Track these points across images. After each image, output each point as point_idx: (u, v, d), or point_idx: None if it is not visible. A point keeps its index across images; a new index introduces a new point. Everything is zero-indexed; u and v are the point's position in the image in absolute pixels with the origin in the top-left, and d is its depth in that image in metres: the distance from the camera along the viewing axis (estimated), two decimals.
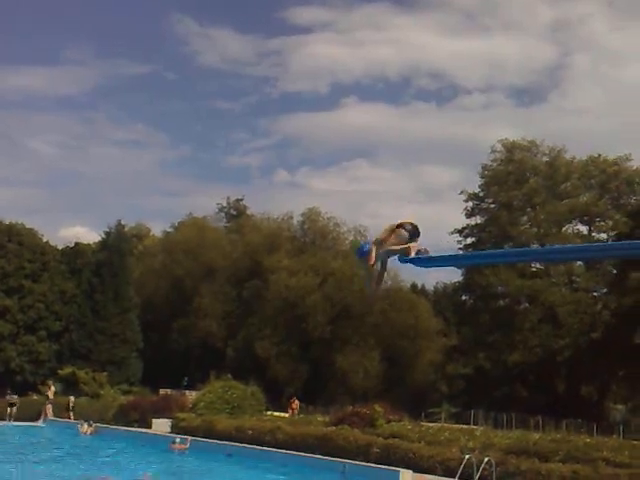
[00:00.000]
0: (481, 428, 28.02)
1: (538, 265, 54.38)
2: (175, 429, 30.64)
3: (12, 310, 46.33)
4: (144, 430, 31.29)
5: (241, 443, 26.18)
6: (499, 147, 58.00)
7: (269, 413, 33.95)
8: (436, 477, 20.24)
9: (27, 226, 51.17)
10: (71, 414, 36.11)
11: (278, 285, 50.52)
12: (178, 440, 26.39)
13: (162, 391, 39.84)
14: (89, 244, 54.75)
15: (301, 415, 35.64)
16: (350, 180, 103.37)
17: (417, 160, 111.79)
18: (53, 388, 37.65)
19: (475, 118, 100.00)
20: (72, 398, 37.41)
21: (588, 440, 22.48)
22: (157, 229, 78.16)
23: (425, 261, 7.19)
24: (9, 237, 48.61)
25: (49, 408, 36.02)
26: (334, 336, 50.72)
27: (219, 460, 23.71)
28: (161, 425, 31.87)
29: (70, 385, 43.44)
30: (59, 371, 44.75)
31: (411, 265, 7.18)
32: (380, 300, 51.83)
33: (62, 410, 36.32)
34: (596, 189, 57.07)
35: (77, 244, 53.71)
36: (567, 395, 51.56)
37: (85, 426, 31.64)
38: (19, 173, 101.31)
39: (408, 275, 55.35)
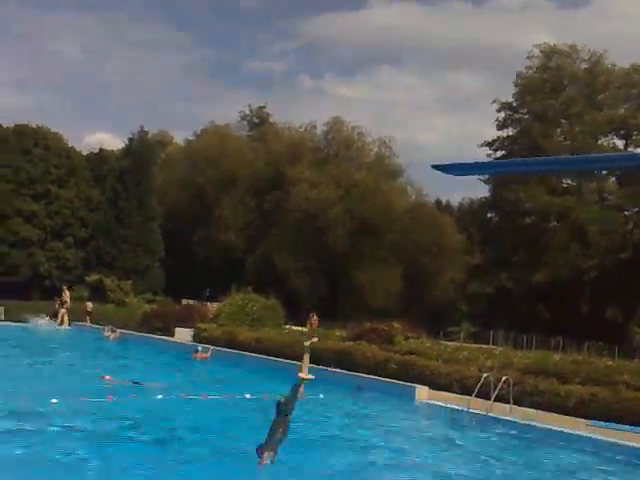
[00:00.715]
0: (500, 348, 27.96)
1: (569, 181, 53.33)
2: (197, 339, 31.08)
3: (39, 215, 46.68)
4: (167, 338, 31.76)
5: (260, 355, 26.51)
6: (536, 53, 56.16)
7: (288, 326, 34.19)
8: (452, 394, 20.28)
9: (52, 130, 51.08)
10: (88, 319, 36.69)
11: (299, 197, 50.18)
12: (200, 349, 26.86)
13: (184, 301, 40.27)
14: (113, 151, 54.62)
15: (320, 330, 35.80)
16: (375, 87, 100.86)
17: (445, 66, 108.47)
18: (68, 293, 38.01)
19: (512, 21, 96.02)
20: (89, 303, 37.94)
21: (609, 363, 22.23)
22: (179, 137, 77.76)
23: (457, 168, 6.70)
24: (35, 141, 48.51)
25: (64, 313, 36.51)
26: (354, 251, 50.61)
27: (239, 370, 24.02)
28: (183, 334, 32.33)
29: (97, 292, 44.16)
30: (86, 278, 45.42)
31: (439, 176, 6.70)
32: (403, 216, 51.46)
33: (80, 315, 36.82)
34: (636, 100, 54.90)
35: (101, 150, 53.60)
36: (591, 317, 51.40)
37: (109, 331, 32.17)
38: (41, 76, 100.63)
39: (432, 190, 54.81)
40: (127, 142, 51.04)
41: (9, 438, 11.07)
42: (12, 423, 12.11)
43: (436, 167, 6.55)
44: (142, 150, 49.94)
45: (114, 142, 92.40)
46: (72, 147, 51.92)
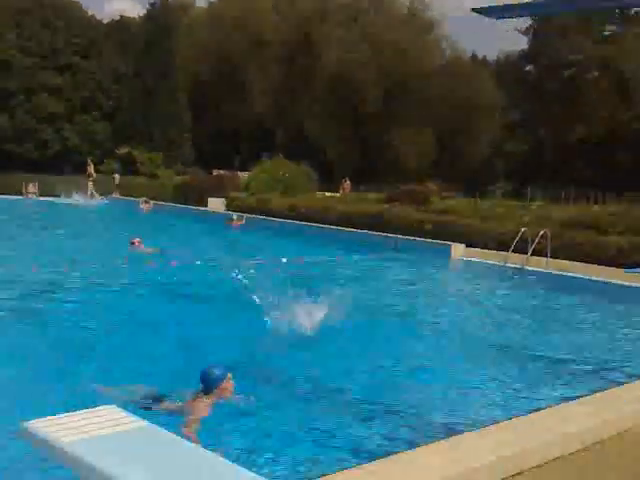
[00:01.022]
0: (538, 203, 27.49)
1: (612, 28, 50.51)
2: (229, 208, 31.07)
3: (65, 89, 46.11)
4: (200, 208, 31.79)
5: (294, 221, 26.50)
6: None
7: (320, 193, 33.96)
8: (489, 251, 20.13)
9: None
10: (117, 192, 36.82)
11: (329, 59, 48.48)
12: (235, 217, 26.87)
13: (215, 172, 40.04)
14: (134, 18, 53.12)
15: (353, 194, 35.62)
16: None
17: None
18: (92, 166, 37.92)
19: None
20: (117, 175, 37.97)
21: None
22: (201, 1, 75.00)
23: (498, 10, 6.39)
24: (54, 12, 47.24)
25: (90, 186, 36.62)
26: (387, 113, 49.37)
27: (273, 237, 24.05)
28: (216, 204, 32.30)
29: (127, 166, 44.15)
30: (116, 151, 45.31)
31: (475, 28, 6.27)
32: (437, 73, 49.73)
33: (109, 188, 36.97)
34: None
35: (122, 17, 52.11)
36: (631, 170, 50.00)
37: (143, 203, 32.25)
38: None
39: (469, 44, 52.61)
40: (148, 8, 49.44)
41: (50, 301, 11.12)
42: (51, 286, 12.19)
43: (476, 10, 6.40)
44: (164, 16, 48.37)
45: (134, 10, 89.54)
46: (92, 15, 50.56)
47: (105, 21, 52.15)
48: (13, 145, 43.35)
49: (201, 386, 5.95)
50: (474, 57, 58.24)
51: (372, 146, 49.57)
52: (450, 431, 5.69)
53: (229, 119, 51.05)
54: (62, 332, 9.30)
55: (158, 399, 6.13)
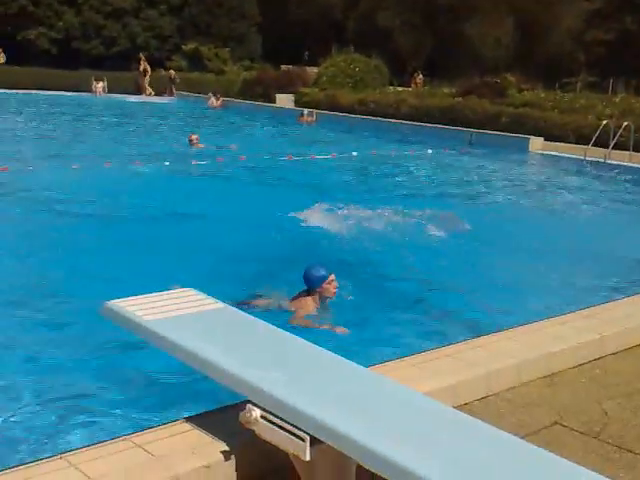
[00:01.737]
0: (621, 95, 26.18)
1: None
2: (299, 104, 30.64)
3: None
4: (269, 104, 31.46)
5: (364, 116, 26.02)
6: None
7: (392, 87, 33.08)
8: (568, 144, 19.38)
9: None
10: (173, 88, 36.50)
11: None
12: (306, 112, 26.54)
13: (283, 67, 39.27)
14: None
15: (426, 87, 34.60)
16: None
17: None
18: (144, 61, 37.57)
19: None
20: (173, 72, 37.56)
21: None
22: None
23: None
24: None
25: (145, 82, 36.40)
26: (462, 3, 47.18)
27: (344, 132, 23.67)
28: (284, 100, 31.89)
29: (194, 62, 43.69)
30: (183, 47, 44.80)
31: None
32: None
33: (164, 84, 36.68)
34: None
35: None
36: None
37: (213, 99, 32.03)
38: None
39: None
40: None
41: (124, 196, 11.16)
42: (124, 183, 12.25)
43: None
44: None
45: None
46: None
47: None
48: (80, 42, 43.25)
49: (305, 286, 5.99)
50: None
51: (446, 37, 47.55)
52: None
53: (298, 11, 49.64)
54: (135, 226, 9.30)
55: (255, 296, 6.19)
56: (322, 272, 5.88)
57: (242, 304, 5.65)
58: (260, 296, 6.20)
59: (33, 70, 35.99)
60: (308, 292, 5.97)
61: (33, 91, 32.63)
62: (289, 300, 6.06)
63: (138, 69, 37.11)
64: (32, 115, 24.01)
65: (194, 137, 17.26)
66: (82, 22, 43.83)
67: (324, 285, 5.88)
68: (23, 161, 13.48)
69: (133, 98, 34.09)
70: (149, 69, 37.05)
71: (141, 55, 38.01)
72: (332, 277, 5.90)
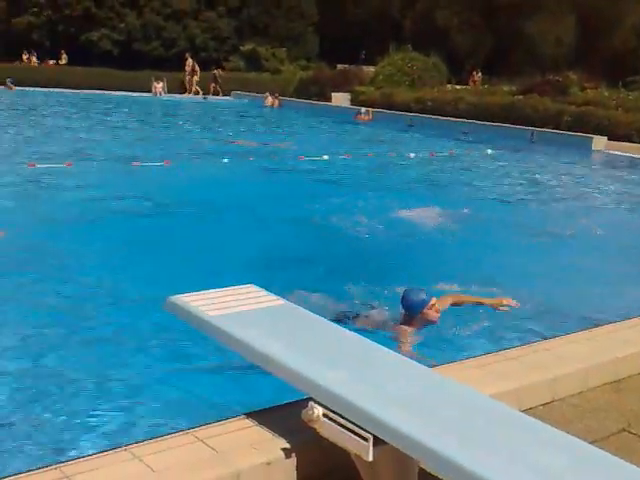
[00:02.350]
0: None
1: None
2: (355, 102, 30.60)
3: None
4: (325, 103, 31.49)
5: (422, 114, 25.83)
6: None
7: (450, 85, 32.80)
8: (633, 144, 18.90)
9: None
10: (218, 87, 36.63)
11: None
12: (363, 111, 26.51)
13: (340, 66, 39.28)
14: None
15: (485, 85, 34.18)
16: None
17: None
18: (191, 61, 37.65)
19: None
20: (217, 71, 37.72)
21: None
22: None
23: None
24: None
25: (192, 82, 36.55)
26: (523, 2, 46.43)
27: (401, 130, 23.54)
28: (341, 99, 31.90)
29: (252, 62, 44.02)
30: (240, 47, 45.18)
31: None
32: None
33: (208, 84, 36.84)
34: None
35: None
36: None
37: (270, 98, 32.20)
38: None
39: None
40: None
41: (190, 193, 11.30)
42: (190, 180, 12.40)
43: None
44: None
45: None
46: None
47: None
48: (141, 43, 44.01)
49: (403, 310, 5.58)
50: None
51: (505, 36, 46.89)
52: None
53: (355, 12, 49.57)
54: (194, 223, 9.39)
55: (354, 315, 5.86)
56: (422, 296, 5.44)
57: (340, 320, 5.40)
58: (358, 315, 5.83)
59: (95, 70, 36.74)
60: (409, 316, 5.56)
61: (96, 91, 33.28)
62: (392, 324, 5.63)
63: (184, 69, 37.30)
64: (95, 114, 24.51)
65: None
66: (143, 24, 44.58)
67: (425, 310, 5.46)
68: (86, 158, 13.75)
69: (191, 98, 34.52)
70: (198, 69, 37.32)
71: (188, 55, 38.34)
72: (433, 301, 5.47)
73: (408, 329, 5.50)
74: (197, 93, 36.43)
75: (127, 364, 4.88)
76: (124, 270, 7.01)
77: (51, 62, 41.06)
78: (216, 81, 36.97)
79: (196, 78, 36.95)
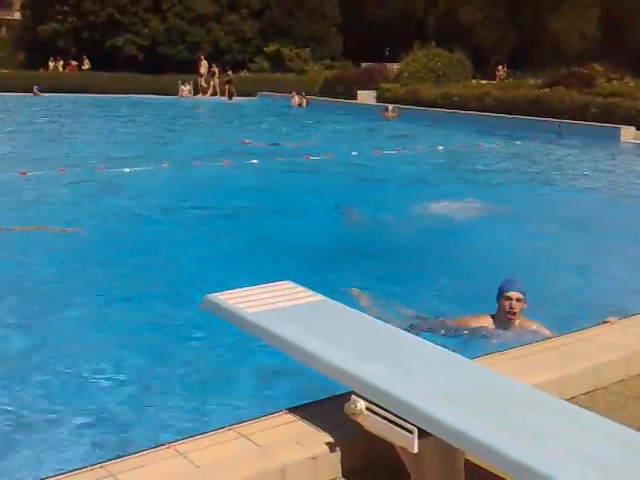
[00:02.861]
0: None
1: None
2: (380, 100, 30.57)
3: None
4: (351, 101, 31.49)
5: (448, 110, 25.73)
6: None
7: (475, 81, 32.62)
8: None
9: None
10: (232, 88, 36.60)
11: None
12: (390, 108, 26.48)
13: (364, 64, 39.25)
14: None
15: (510, 80, 33.92)
16: None
17: None
18: (205, 62, 37.63)
19: None
20: (230, 73, 37.71)
21: None
22: None
23: None
24: None
25: (215, 83, 36.55)
26: None
27: (428, 126, 23.48)
28: (366, 97, 31.88)
29: (276, 62, 44.16)
30: (265, 49, 45.34)
31: None
32: None
33: (220, 86, 36.89)
34: None
35: None
36: None
37: (296, 97, 32.25)
38: None
39: None
40: None
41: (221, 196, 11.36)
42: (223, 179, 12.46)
43: None
44: None
45: None
46: None
47: None
48: (166, 47, 44.34)
49: None
50: None
51: (530, 30, 46.51)
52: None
53: (377, 9, 49.42)
54: (227, 222, 9.44)
55: (420, 317, 5.58)
56: (504, 285, 5.12)
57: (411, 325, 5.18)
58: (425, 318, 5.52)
59: (121, 75, 37.08)
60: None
61: (122, 95, 33.57)
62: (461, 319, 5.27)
63: (199, 71, 37.31)
64: (124, 117, 24.76)
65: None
66: (167, 28, 44.93)
67: (500, 300, 5.12)
68: (116, 161, 13.89)
69: (215, 99, 34.67)
70: (217, 72, 37.34)
71: (202, 56, 38.36)
72: (511, 294, 5.05)
73: (483, 317, 5.19)
74: (214, 94, 36.53)
75: (167, 361, 4.92)
76: (158, 268, 7.09)
77: (73, 63, 41.44)
78: (230, 82, 37.02)
79: (216, 79, 37.05)
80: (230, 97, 35.55)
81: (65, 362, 4.88)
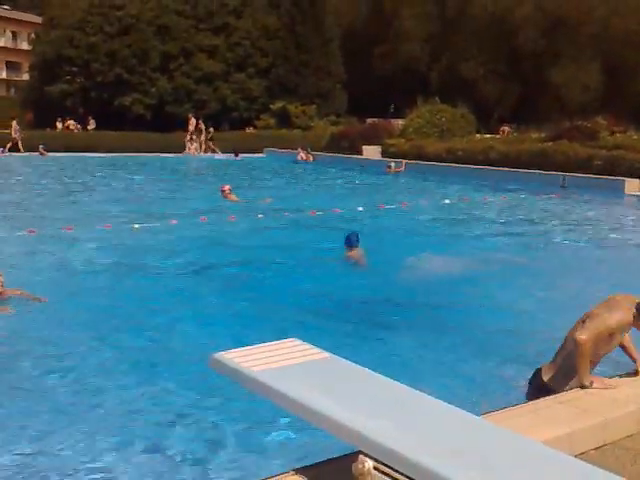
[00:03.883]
0: None
1: None
2: (385, 155, 30.85)
3: (221, 49, 47.14)
4: (356, 156, 31.81)
5: (452, 164, 25.94)
6: None
7: (479, 135, 32.96)
8: None
9: None
10: (210, 144, 36.93)
11: None
12: (393, 164, 26.72)
13: (369, 120, 39.76)
14: None
15: (514, 134, 34.29)
16: None
17: None
18: (193, 121, 37.72)
19: None
20: (211, 129, 38.04)
21: None
22: None
23: None
24: None
25: (189, 141, 36.81)
26: (547, 50, 46.81)
27: (433, 180, 23.65)
28: (372, 152, 32.18)
29: (282, 119, 44.77)
30: (271, 106, 46.03)
31: None
32: (599, 5, 46.81)
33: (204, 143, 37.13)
34: None
35: None
36: None
37: (302, 154, 32.60)
38: None
39: None
40: None
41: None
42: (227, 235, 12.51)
43: None
44: None
45: None
46: None
47: None
48: (173, 106, 45.05)
49: None
50: None
51: (532, 83, 47.19)
52: None
53: (382, 65, 50.24)
54: (230, 277, 9.47)
55: None
56: None
57: None
58: None
59: (128, 134, 37.60)
60: None
61: (130, 154, 33.95)
62: None
63: (187, 129, 37.47)
64: (130, 176, 25.02)
65: (227, 188, 17.25)
66: (174, 87, 45.74)
67: None
68: (124, 219, 14.01)
69: (221, 156, 35.03)
70: (204, 127, 37.64)
71: (191, 115, 38.66)
72: None
73: None
74: (207, 151, 36.74)
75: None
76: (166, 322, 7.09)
77: (72, 127, 41.95)
78: (211, 139, 37.30)
79: (203, 137, 37.29)
80: (209, 153, 35.98)
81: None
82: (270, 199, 17.20)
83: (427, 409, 3.42)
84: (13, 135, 34.37)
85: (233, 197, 17.14)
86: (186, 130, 37.47)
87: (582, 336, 4.41)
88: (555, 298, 8.36)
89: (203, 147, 37.15)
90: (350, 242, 9.49)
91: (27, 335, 6.90)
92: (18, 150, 33.81)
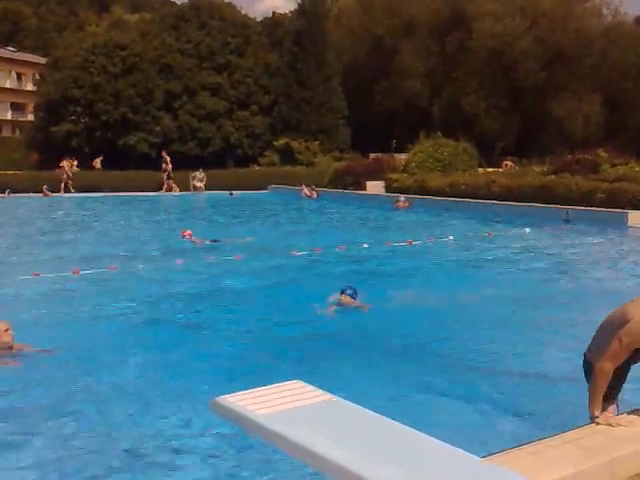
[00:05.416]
0: None
1: None
2: (389, 190, 30.96)
3: (224, 87, 47.62)
4: (362, 192, 31.93)
5: (456, 198, 26.01)
6: None
7: (481, 169, 33.11)
8: None
9: (225, 1, 51.32)
10: (197, 184, 36.89)
11: (483, 33, 46.86)
12: (402, 199, 26.79)
13: (372, 155, 39.96)
14: (286, 13, 54.15)
15: (517, 168, 34.43)
16: None
17: None
18: (168, 159, 37.01)
19: None
20: (198, 173, 37.48)
21: None
22: None
23: None
24: (211, 14, 48.96)
25: (169, 182, 36.63)
26: (547, 83, 47.18)
27: (437, 215, 23.72)
28: (375, 187, 32.31)
29: (286, 155, 45.06)
30: (274, 143, 46.35)
31: None
32: (598, 39, 47.30)
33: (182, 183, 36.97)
34: None
35: (274, 14, 53.16)
36: None
37: (305, 190, 32.76)
38: None
39: (631, 7, 49.16)
40: (299, 2, 50.04)
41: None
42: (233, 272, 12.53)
43: None
44: (315, 8, 48.81)
45: (286, 5, 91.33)
46: (246, 15, 52.06)
47: (258, 19, 53.57)
48: (177, 144, 45.38)
49: None
50: (638, 20, 54.92)
51: (533, 117, 47.51)
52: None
53: (384, 101, 50.65)
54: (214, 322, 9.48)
55: None
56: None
57: None
58: None
59: (132, 173, 37.86)
60: None
61: (135, 193, 34.13)
62: None
63: (162, 168, 37.17)
64: (136, 215, 25.14)
65: (187, 232, 16.99)
66: (179, 126, 46.14)
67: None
68: (124, 260, 14.04)
69: (226, 193, 35.20)
70: (169, 168, 36.91)
71: (163, 153, 38.35)
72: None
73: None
74: (171, 189, 36.55)
75: None
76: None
77: (66, 165, 42.11)
78: (169, 177, 36.95)
79: (169, 180, 36.81)
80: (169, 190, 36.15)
81: None
82: (250, 238, 17.29)
83: (431, 451, 3.40)
84: (64, 175, 34.90)
85: (197, 240, 16.71)
86: (164, 170, 37.14)
87: (601, 365, 4.45)
88: (553, 332, 8.32)
89: (166, 186, 36.77)
90: (347, 293, 9.33)
91: None
92: (69, 190, 34.40)
